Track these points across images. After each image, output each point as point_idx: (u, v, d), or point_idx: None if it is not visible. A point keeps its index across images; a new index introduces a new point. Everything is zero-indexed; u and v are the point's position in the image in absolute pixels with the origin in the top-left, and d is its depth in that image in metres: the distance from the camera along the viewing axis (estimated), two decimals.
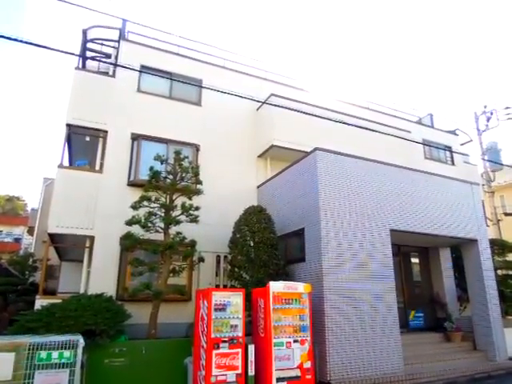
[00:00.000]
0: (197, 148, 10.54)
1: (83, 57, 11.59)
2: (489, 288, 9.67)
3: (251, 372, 6.22)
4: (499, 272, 11.91)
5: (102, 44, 12.08)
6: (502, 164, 16.38)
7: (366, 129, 10.14)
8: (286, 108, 9.38)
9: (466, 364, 8.71)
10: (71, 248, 10.80)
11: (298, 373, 6.47)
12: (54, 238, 9.44)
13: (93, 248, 8.83)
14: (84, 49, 11.71)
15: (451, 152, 15.93)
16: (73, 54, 6.07)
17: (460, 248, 10.66)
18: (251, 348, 6.33)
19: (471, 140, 17.95)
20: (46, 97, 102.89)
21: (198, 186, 8.72)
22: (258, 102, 9.41)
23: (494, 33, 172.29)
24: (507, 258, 12.43)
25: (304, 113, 9.50)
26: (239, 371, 6.09)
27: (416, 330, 10.45)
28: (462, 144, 17.68)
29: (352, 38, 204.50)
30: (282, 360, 6.40)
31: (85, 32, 11.38)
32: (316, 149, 8.51)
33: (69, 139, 10.15)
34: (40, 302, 7.85)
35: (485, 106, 17.22)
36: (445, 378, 8.02)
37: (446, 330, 10.05)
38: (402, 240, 10.09)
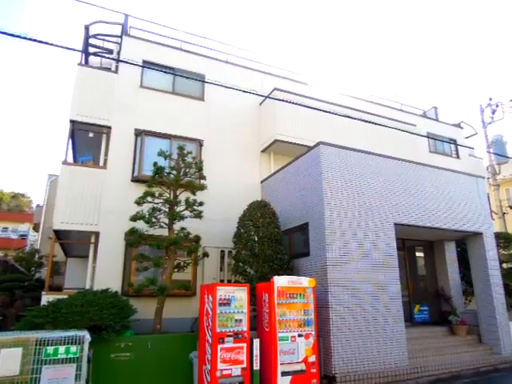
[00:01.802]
0: (200, 143, 10.52)
1: (86, 53, 11.57)
2: (494, 281, 9.63)
3: (256, 366, 6.26)
4: (504, 265, 11.86)
5: (104, 40, 12.04)
6: (507, 157, 16.27)
7: (371, 122, 10.08)
8: (289, 102, 9.32)
9: (471, 357, 8.71)
10: (76, 244, 10.85)
11: (302, 367, 6.50)
12: (60, 235, 9.49)
13: (98, 244, 8.87)
14: (86, 45, 11.67)
15: (456, 145, 15.77)
16: (75, 49, 6.04)
17: (465, 241, 10.62)
18: (256, 342, 6.37)
19: (476, 133, 17.79)
20: (50, 93, 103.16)
21: (202, 182, 8.71)
22: (261, 96, 9.37)
23: (500, 25, 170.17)
24: None
25: (308, 107, 9.44)
26: (244, 365, 6.12)
27: (421, 324, 10.45)
28: (467, 137, 17.50)
29: (356, 32, 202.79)
30: (286, 354, 6.43)
31: (87, 28, 11.33)
32: (320, 143, 8.46)
33: (72, 135, 10.18)
34: (46, 298, 7.90)
35: (490, 99, 17.07)
36: (450, 372, 8.03)
37: (450, 324, 10.04)
38: (406, 234, 10.06)
